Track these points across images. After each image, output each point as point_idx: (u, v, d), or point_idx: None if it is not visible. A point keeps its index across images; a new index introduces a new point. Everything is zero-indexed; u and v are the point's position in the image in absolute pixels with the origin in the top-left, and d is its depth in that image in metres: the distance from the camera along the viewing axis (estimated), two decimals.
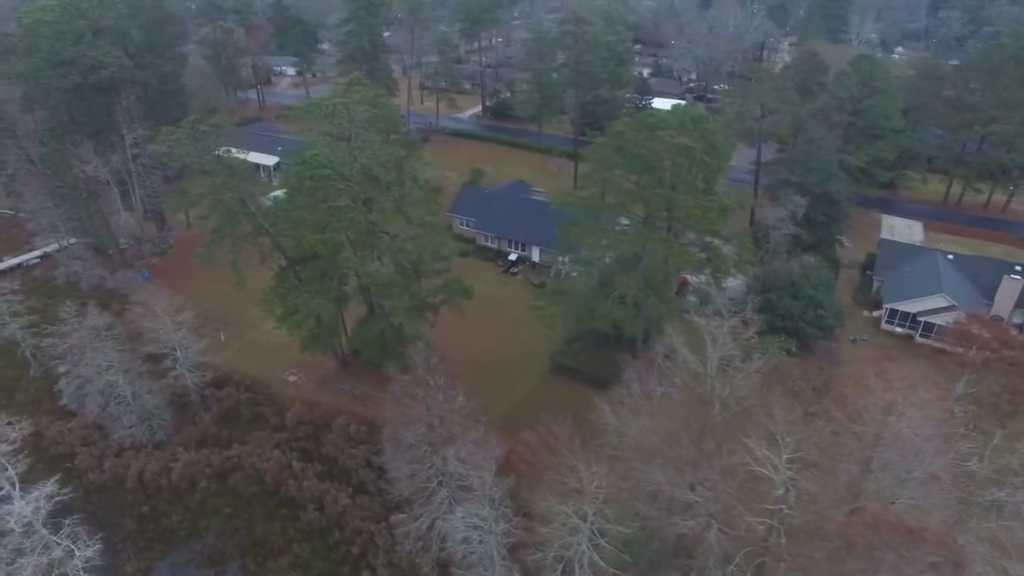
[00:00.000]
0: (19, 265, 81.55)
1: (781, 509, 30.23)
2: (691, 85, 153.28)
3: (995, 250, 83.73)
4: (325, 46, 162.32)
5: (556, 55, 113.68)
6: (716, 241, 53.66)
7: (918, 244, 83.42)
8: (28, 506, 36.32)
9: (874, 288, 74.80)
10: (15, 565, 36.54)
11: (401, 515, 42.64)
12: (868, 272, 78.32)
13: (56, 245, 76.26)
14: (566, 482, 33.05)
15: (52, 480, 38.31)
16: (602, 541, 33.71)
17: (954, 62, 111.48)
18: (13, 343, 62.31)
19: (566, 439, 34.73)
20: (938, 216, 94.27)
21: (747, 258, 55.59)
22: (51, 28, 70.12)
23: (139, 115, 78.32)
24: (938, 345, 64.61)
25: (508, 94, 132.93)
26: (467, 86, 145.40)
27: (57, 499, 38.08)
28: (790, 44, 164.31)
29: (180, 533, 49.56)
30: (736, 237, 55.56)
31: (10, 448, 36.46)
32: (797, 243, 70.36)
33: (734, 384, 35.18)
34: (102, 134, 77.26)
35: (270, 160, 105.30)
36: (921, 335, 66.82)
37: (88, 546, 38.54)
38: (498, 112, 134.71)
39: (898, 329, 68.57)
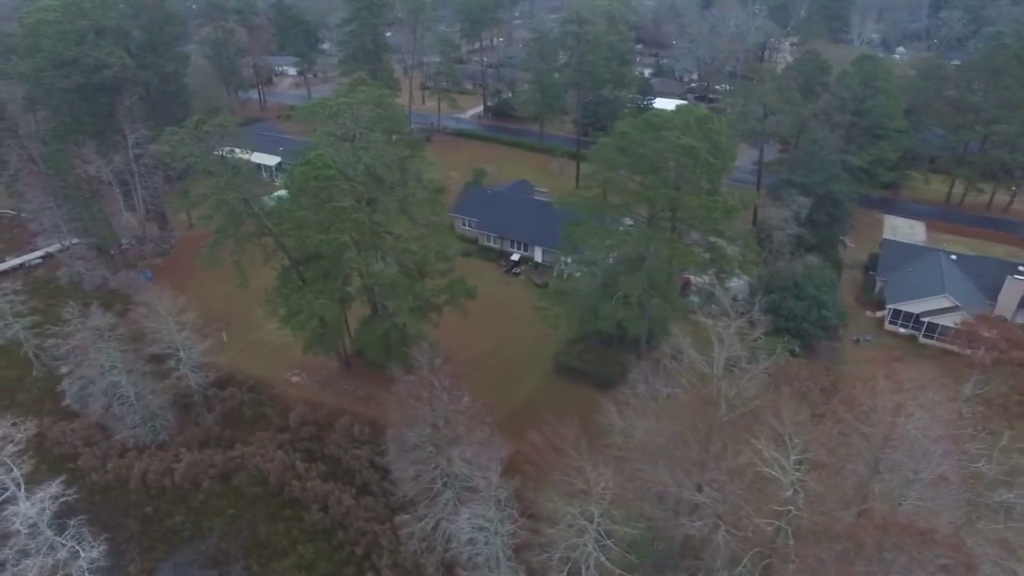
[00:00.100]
0: (21, 265, 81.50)
1: (789, 510, 30.17)
2: (692, 85, 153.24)
3: (997, 250, 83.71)
4: (326, 46, 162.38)
5: (558, 55, 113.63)
6: (720, 241, 53.55)
7: (921, 244, 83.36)
8: (33, 507, 36.27)
9: (877, 288, 74.74)
10: (20, 566, 36.46)
11: (405, 516, 42.47)
12: (871, 272, 78.25)
13: (58, 245, 76.14)
14: (573, 483, 32.98)
15: (57, 481, 38.28)
16: (608, 542, 33.65)
17: (955, 62, 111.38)
18: (16, 343, 62.24)
19: (572, 440, 34.63)
20: (940, 216, 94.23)
21: (751, 258, 55.48)
22: (53, 28, 70.03)
23: (141, 115, 78.32)
24: (942, 346, 64.72)
25: (509, 94, 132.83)
26: (468, 86, 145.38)
27: (62, 500, 38.04)
28: (791, 44, 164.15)
29: (184, 534, 49.48)
30: (740, 237, 55.46)
31: (15, 449, 36.39)
32: (800, 243, 70.32)
33: (741, 385, 35.08)
34: (104, 134, 77.26)
35: (272, 160, 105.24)
36: (924, 336, 66.74)
37: (93, 547, 38.48)
38: (499, 112, 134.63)
39: (901, 330, 68.49)
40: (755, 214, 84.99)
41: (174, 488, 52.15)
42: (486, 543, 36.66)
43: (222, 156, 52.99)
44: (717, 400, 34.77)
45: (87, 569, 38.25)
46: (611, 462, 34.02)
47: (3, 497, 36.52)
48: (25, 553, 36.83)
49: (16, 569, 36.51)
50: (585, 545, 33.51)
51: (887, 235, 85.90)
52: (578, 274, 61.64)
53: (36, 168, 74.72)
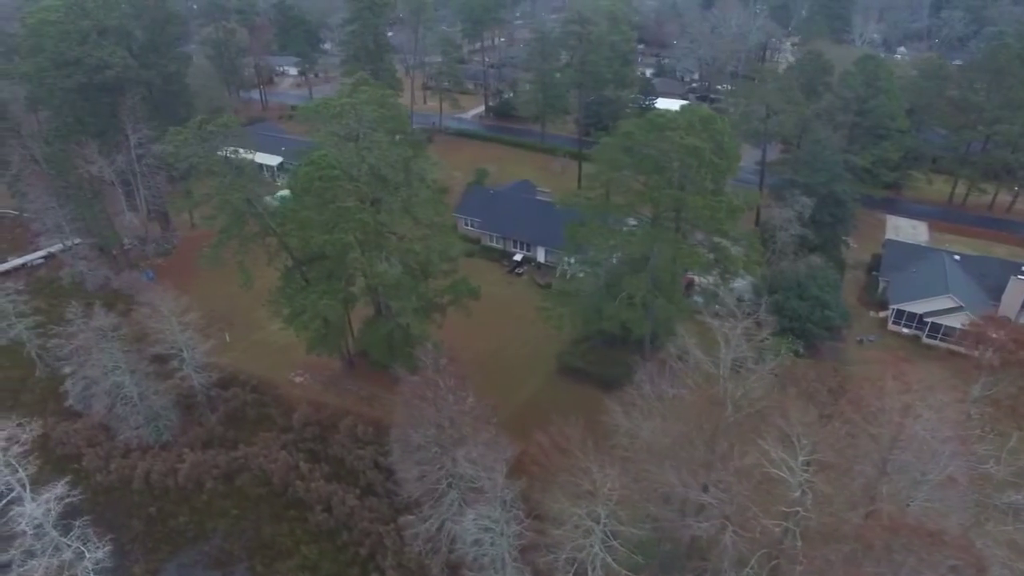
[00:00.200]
0: (23, 265, 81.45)
1: (797, 511, 30.10)
2: (694, 85, 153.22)
3: (1000, 250, 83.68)
4: (327, 46, 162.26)
5: (559, 55, 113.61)
6: (724, 242, 53.52)
7: (924, 245, 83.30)
8: (39, 508, 36.22)
9: (880, 289, 74.69)
10: (26, 567, 36.45)
11: (410, 517, 42.43)
12: (874, 273, 78.21)
13: (61, 245, 76.09)
14: (579, 484, 32.91)
15: (62, 482, 38.20)
16: (615, 543, 33.59)
17: (957, 62, 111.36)
18: (19, 343, 62.22)
19: (578, 440, 34.57)
20: (943, 216, 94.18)
21: (755, 259, 55.44)
22: (56, 28, 69.97)
23: (143, 115, 78.25)
24: (947, 346, 64.67)
25: (511, 94, 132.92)
26: (470, 86, 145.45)
27: (67, 501, 37.96)
28: (793, 44, 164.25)
29: (187, 534, 49.40)
30: (744, 238, 55.45)
31: (20, 450, 36.32)
32: (803, 244, 70.27)
33: (747, 385, 35.00)
34: (107, 134, 77.25)
35: (273, 160, 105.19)
36: (928, 336, 66.69)
37: (98, 548, 38.44)
38: (501, 112, 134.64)
39: (904, 330, 68.44)
40: (758, 214, 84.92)
41: (178, 488, 52.11)
42: (492, 544, 36.58)
43: (226, 156, 52.97)
44: (723, 401, 34.70)
45: (92, 570, 38.21)
46: (617, 463, 33.95)
47: (9, 498, 36.52)
48: (31, 554, 36.81)
49: (22, 570, 36.49)
50: (591, 546, 33.45)
51: (890, 235, 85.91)
52: (581, 274, 61.55)
53: (38, 168, 74.71)
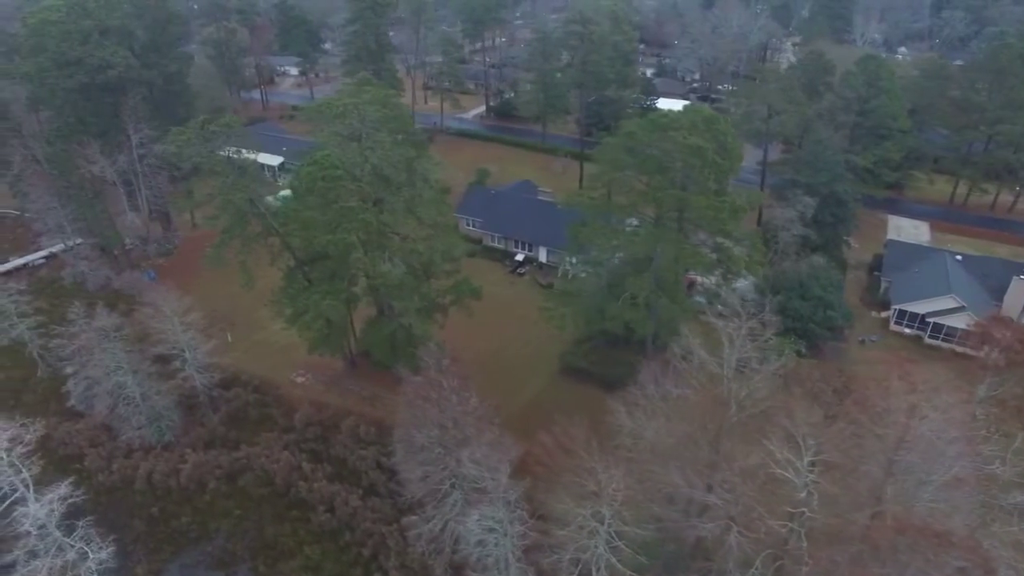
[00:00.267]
0: (25, 265, 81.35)
1: (803, 512, 30.06)
2: (695, 85, 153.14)
3: (1002, 251, 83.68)
4: (328, 46, 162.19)
5: (561, 55, 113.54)
6: (727, 242, 53.51)
7: (925, 245, 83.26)
8: (42, 508, 36.17)
9: (882, 289, 74.65)
10: (30, 567, 36.42)
11: (413, 517, 42.38)
12: (875, 273, 78.19)
13: (62, 245, 76.08)
14: (584, 484, 32.87)
15: (66, 482, 38.13)
16: (619, 543, 33.54)
17: (957, 62, 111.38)
18: (21, 344, 62.11)
19: (582, 441, 34.52)
20: (944, 217, 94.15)
21: (758, 259, 55.48)
22: (57, 28, 69.89)
23: (145, 115, 78.16)
24: (948, 346, 64.67)
25: (512, 94, 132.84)
26: (471, 86, 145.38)
27: (70, 501, 37.89)
28: (793, 44, 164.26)
29: (190, 535, 49.32)
30: (747, 238, 55.45)
31: (24, 450, 36.25)
32: (805, 244, 70.28)
33: (751, 385, 34.98)
34: (108, 134, 77.16)
35: (275, 160, 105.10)
36: (930, 336, 66.63)
37: (102, 548, 38.38)
38: (502, 112, 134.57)
39: (906, 330, 68.40)
40: (759, 214, 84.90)
41: (180, 489, 52.02)
42: (496, 544, 36.53)
43: (228, 156, 52.90)
44: (727, 401, 34.67)
45: (95, 571, 38.19)
46: (621, 463, 33.91)
47: (12, 498, 36.44)
48: (34, 554, 36.77)
49: (26, 570, 36.46)
50: (596, 547, 33.42)
51: (891, 235, 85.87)
52: (583, 274, 61.55)
53: (40, 168, 74.68)
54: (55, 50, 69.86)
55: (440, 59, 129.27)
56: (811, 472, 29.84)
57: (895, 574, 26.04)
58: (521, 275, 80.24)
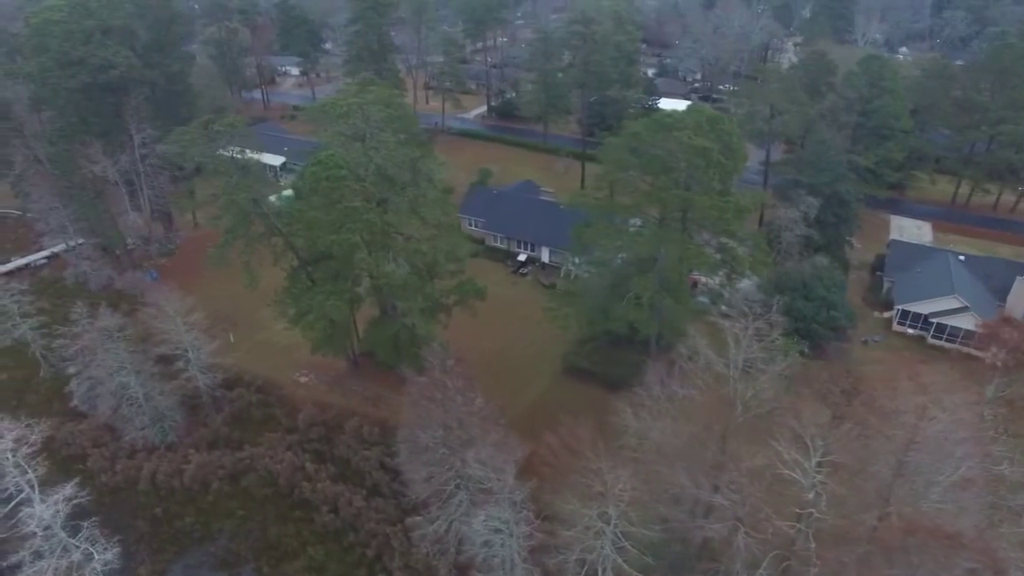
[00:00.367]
0: (27, 265, 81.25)
1: (810, 512, 30.00)
2: (696, 85, 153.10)
3: (1005, 251, 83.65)
4: (329, 46, 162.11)
5: (562, 55, 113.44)
6: (731, 242, 53.46)
7: (928, 245, 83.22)
8: (47, 509, 36.10)
9: (884, 289, 74.59)
10: (36, 568, 36.33)
11: (417, 518, 42.32)
12: (878, 273, 78.13)
13: (64, 245, 76.01)
14: (590, 485, 32.81)
15: (71, 483, 38.07)
16: (626, 544, 33.49)
17: (959, 62, 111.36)
18: (23, 344, 62.04)
19: (588, 441, 34.45)
20: (947, 217, 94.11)
21: (762, 259, 55.42)
22: (60, 28, 69.75)
23: (147, 115, 78.07)
24: (951, 346, 64.62)
25: (513, 94, 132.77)
26: (472, 86, 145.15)
27: (75, 502, 37.82)
28: (795, 44, 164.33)
29: (193, 535, 49.26)
30: (750, 238, 55.41)
31: (29, 451, 36.17)
32: (808, 244, 70.22)
33: (757, 386, 34.92)
34: (110, 134, 77.02)
35: (276, 160, 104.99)
36: (933, 336, 66.58)
37: (107, 549, 38.31)
38: (503, 112, 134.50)
39: (909, 330, 68.34)
40: (761, 215, 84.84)
41: (183, 489, 51.95)
42: (502, 545, 36.49)
43: (232, 156, 52.83)
44: (733, 401, 34.62)
45: (100, 571, 38.10)
46: (627, 464, 33.86)
47: (18, 499, 36.35)
48: (40, 555, 36.70)
49: (31, 571, 36.36)
50: (602, 547, 33.37)
51: (894, 235, 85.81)
52: (586, 274, 61.46)
53: (42, 168, 74.63)
54: (57, 50, 69.72)
55: (441, 59, 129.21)
56: (819, 473, 29.78)
57: (904, 575, 26.00)
58: (524, 275, 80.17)
